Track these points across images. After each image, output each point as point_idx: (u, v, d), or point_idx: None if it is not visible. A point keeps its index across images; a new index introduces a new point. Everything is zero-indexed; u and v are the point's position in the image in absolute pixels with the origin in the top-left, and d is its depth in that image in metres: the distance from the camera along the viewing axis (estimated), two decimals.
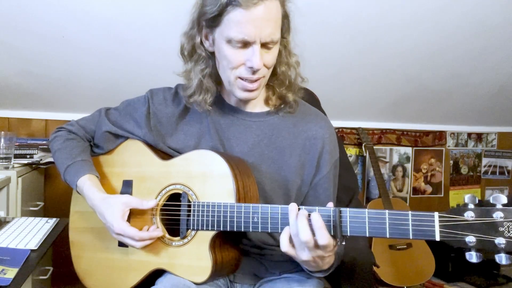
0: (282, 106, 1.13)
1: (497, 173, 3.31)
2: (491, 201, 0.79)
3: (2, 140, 1.73)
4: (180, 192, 1.06)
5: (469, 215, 0.79)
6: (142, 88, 1.25)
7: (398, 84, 2.60)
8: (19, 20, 1.85)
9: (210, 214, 1.00)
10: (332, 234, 0.87)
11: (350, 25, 2.12)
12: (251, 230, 0.97)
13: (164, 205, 1.09)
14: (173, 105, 1.17)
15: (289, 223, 0.89)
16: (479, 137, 3.25)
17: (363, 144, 2.82)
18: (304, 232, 0.85)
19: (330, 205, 0.91)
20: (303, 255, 0.89)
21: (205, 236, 1.01)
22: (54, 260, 2.01)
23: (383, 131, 3.00)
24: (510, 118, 3.16)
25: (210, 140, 1.12)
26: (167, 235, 1.07)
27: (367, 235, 0.86)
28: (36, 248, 1.11)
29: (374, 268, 2.21)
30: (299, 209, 0.90)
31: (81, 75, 2.17)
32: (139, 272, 1.09)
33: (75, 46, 2.01)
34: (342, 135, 2.87)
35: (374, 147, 2.86)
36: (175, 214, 1.05)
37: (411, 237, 0.82)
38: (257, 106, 1.14)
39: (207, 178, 1.03)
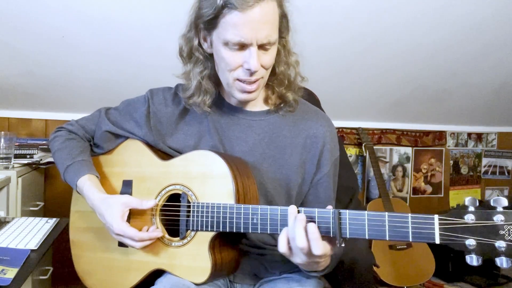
0: (282, 105, 1.13)
1: (497, 173, 3.31)
2: (492, 204, 0.78)
3: (2, 140, 1.73)
4: (180, 192, 1.06)
5: (470, 218, 0.78)
6: (142, 88, 1.24)
7: (398, 84, 2.60)
8: (19, 20, 1.85)
9: (209, 215, 1.00)
10: (331, 236, 0.87)
11: (350, 25, 2.12)
12: (250, 231, 0.97)
13: (164, 205, 1.09)
14: (173, 105, 1.17)
15: (288, 226, 0.89)
16: (479, 137, 3.25)
17: (363, 144, 2.82)
18: (300, 239, 0.85)
19: (330, 207, 0.91)
20: (297, 259, 0.90)
21: (205, 237, 1.01)
22: (54, 260, 2.02)
23: (383, 131, 3.00)
24: (510, 118, 3.16)
25: (210, 140, 1.12)
26: (166, 236, 1.07)
27: (367, 237, 0.86)
28: (36, 248, 1.11)
29: (374, 268, 2.21)
30: (298, 211, 0.90)
31: (81, 75, 2.17)
32: (139, 272, 1.09)
33: (75, 46, 2.01)
34: (342, 135, 2.87)
35: (374, 147, 2.86)
36: (174, 215, 1.05)
37: (410, 240, 0.82)
38: (257, 105, 1.14)
39: (206, 178, 1.03)
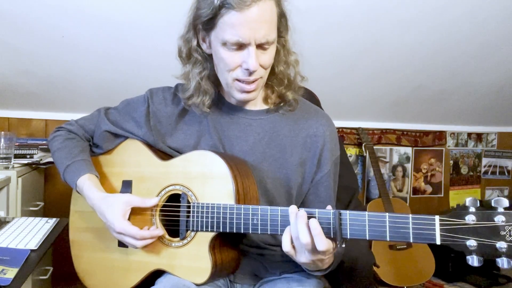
0: (282, 104, 1.13)
1: (497, 173, 3.31)
2: (493, 205, 0.78)
3: (2, 140, 1.73)
4: (180, 193, 1.06)
5: (470, 219, 0.78)
6: (142, 87, 1.24)
7: (398, 84, 2.60)
8: (19, 20, 1.85)
9: (209, 215, 1.00)
10: (332, 236, 0.87)
11: (350, 25, 2.12)
12: (250, 232, 0.97)
13: (164, 205, 1.09)
14: (173, 105, 1.16)
15: (290, 225, 0.89)
16: (479, 137, 3.25)
17: (363, 144, 2.82)
18: (304, 235, 0.86)
19: (329, 207, 0.91)
20: (302, 258, 0.90)
21: (205, 237, 1.01)
22: (54, 260, 2.02)
23: (383, 131, 3.00)
24: (510, 118, 3.16)
25: (210, 140, 1.11)
26: (166, 236, 1.07)
27: (367, 238, 0.86)
28: (36, 248, 1.11)
29: (374, 268, 2.21)
30: (299, 210, 0.90)
31: (81, 75, 2.17)
32: (139, 272, 1.09)
33: (75, 46, 2.00)
34: (342, 135, 2.87)
35: (374, 147, 2.86)
36: (174, 215, 1.05)
37: (411, 241, 0.82)
38: (257, 104, 1.14)
39: (206, 179, 1.03)
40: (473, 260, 0.79)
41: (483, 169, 3.29)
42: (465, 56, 2.45)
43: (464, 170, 3.23)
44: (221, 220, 0.99)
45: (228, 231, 0.98)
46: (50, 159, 1.94)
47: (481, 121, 3.16)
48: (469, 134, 3.22)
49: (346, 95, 2.61)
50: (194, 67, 1.08)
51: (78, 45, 2.00)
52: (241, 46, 0.97)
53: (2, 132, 1.75)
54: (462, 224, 0.79)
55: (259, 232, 0.95)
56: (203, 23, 0.99)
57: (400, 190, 3.07)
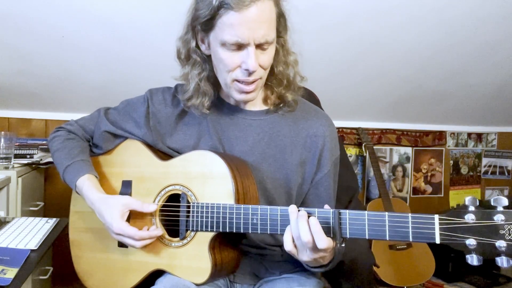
0: (281, 105, 1.13)
1: (497, 173, 3.31)
2: (492, 203, 0.78)
3: (2, 140, 1.73)
4: (180, 193, 1.06)
5: (470, 218, 0.79)
6: (142, 88, 1.24)
7: (398, 84, 2.60)
8: (19, 20, 1.85)
9: (209, 215, 1.00)
10: (331, 236, 0.87)
11: (350, 25, 2.12)
12: (250, 231, 0.97)
13: (164, 206, 1.09)
14: (173, 105, 1.16)
15: (291, 225, 0.89)
16: (479, 137, 3.25)
17: (363, 144, 2.82)
18: (305, 233, 0.86)
19: (327, 207, 0.91)
20: (304, 256, 0.90)
21: (205, 237, 1.01)
22: (54, 260, 2.02)
23: (383, 131, 3.00)
24: (510, 118, 3.16)
25: (209, 140, 1.11)
26: (166, 236, 1.07)
27: (367, 237, 0.86)
28: (36, 248, 1.11)
29: (374, 268, 2.21)
30: (299, 210, 0.90)
31: (81, 75, 2.17)
32: (139, 272, 1.09)
33: (75, 46, 2.01)
34: (342, 135, 2.87)
35: (374, 147, 2.86)
36: (174, 215, 1.05)
37: (411, 240, 0.82)
38: (256, 105, 1.14)
39: (206, 179, 1.03)
40: (473, 259, 0.79)
41: (483, 169, 3.29)
42: (465, 56, 2.45)
43: (464, 170, 3.23)
44: (220, 220, 0.99)
45: (228, 231, 0.98)
46: (50, 159, 1.94)
47: (481, 121, 3.16)
48: (469, 134, 3.22)
49: (346, 95, 2.61)
50: (193, 69, 1.08)
51: (78, 45, 2.00)
52: (240, 47, 0.96)
53: (2, 132, 1.75)
54: (462, 223, 0.79)
55: (259, 231, 0.96)
56: (202, 24, 0.99)
57: (400, 190, 3.07)
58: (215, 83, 1.10)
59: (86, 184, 1.09)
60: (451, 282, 2.72)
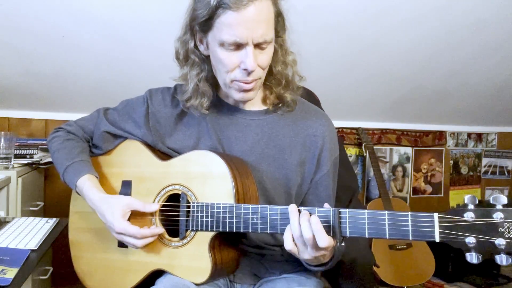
0: (280, 105, 1.12)
1: (497, 173, 3.31)
2: (491, 202, 0.78)
3: (2, 140, 1.73)
4: (179, 192, 1.06)
5: (469, 216, 0.79)
6: (142, 88, 1.24)
7: (398, 84, 2.60)
8: (19, 20, 1.85)
9: (209, 215, 1.00)
10: (331, 235, 0.88)
11: (350, 25, 2.12)
12: (250, 231, 0.97)
13: (163, 205, 1.09)
14: (172, 105, 1.16)
15: (291, 224, 0.89)
16: (479, 137, 3.25)
17: (363, 144, 2.82)
18: (306, 230, 0.86)
19: (327, 205, 0.91)
20: (305, 255, 0.90)
21: (205, 237, 1.01)
22: (54, 260, 2.02)
23: (383, 131, 3.00)
24: (510, 118, 3.16)
25: (209, 140, 1.11)
26: (166, 236, 1.07)
27: (367, 236, 0.86)
28: (36, 248, 1.11)
29: (374, 268, 2.21)
30: (299, 210, 0.90)
31: (81, 75, 2.17)
32: (138, 272, 1.09)
33: (75, 46, 2.01)
34: (342, 135, 2.87)
35: (374, 147, 2.86)
36: (174, 215, 1.05)
37: (410, 238, 0.82)
38: (255, 105, 1.14)
39: (206, 178, 1.03)
40: (472, 257, 0.79)
41: (483, 169, 3.29)
42: (465, 56, 2.45)
43: (464, 170, 3.23)
44: (220, 220, 0.99)
45: (228, 230, 0.98)
46: (50, 159, 1.94)
47: (481, 121, 3.16)
48: (469, 134, 3.22)
49: (346, 95, 2.61)
50: (191, 69, 1.07)
51: (78, 45, 2.00)
52: (238, 46, 0.96)
53: (2, 132, 1.75)
54: (461, 221, 0.79)
55: (259, 231, 0.96)
56: (200, 24, 0.99)
57: (400, 190, 3.07)
58: (214, 84, 1.10)
59: (87, 184, 1.09)
60: (451, 282, 2.72)
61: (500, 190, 3.34)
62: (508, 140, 3.32)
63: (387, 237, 0.84)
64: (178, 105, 1.15)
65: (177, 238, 1.05)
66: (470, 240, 0.78)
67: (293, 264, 1.14)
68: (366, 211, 0.86)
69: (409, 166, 3.07)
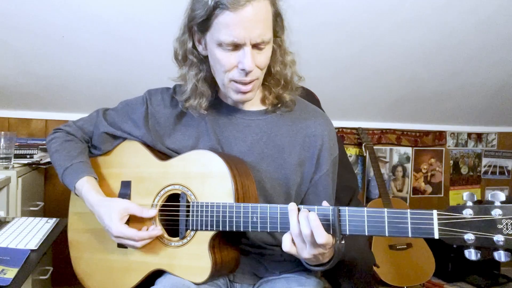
0: (279, 105, 1.12)
1: (497, 173, 3.31)
2: (490, 198, 0.79)
3: (2, 140, 1.73)
4: (179, 192, 1.06)
5: (468, 213, 0.79)
6: (142, 87, 1.24)
7: (398, 84, 2.60)
8: (19, 20, 1.85)
9: (209, 214, 1.00)
10: (331, 233, 0.88)
11: (350, 24, 2.12)
12: (250, 230, 0.97)
13: (163, 205, 1.09)
14: (171, 106, 1.16)
15: (290, 222, 0.89)
16: (479, 137, 3.25)
17: (363, 144, 2.82)
18: (305, 227, 0.86)
19: (325, 204, 0.91)
20: (305, 253, 0.90)
21: (204, 236, 1.01)
22: (54, 260, 2.02)
23: (383, 131, 3.00)
24: (510, 118, 3.16)
25: (208, 141, 1.11)
26: (166, 236, 1.07)
27: (366, 233, 0.86)
28: (36, 248, 1.11)
29: (374, 268, 2.21)
30: (298, 209, 0.90)
31: (81, 75, 2.17)
32: (138, 272, 1.09)
33: (75, 46, 2.01)
34: (342, 135, 2.87)
35: (374, 147, 2.86)
36: (174, 215, 1.05)
37: (410, 235, 0.83)
38: (255, 105, 1.14)
39: (205, 178, 1.03)
40: (471, 254, 0.79)
41: (483, 169, 3.29)
42: (465, 56, 2.45)
43: (464, 170, 3.23)
44: (220, 219, 0.99)
45: (227, 229, 0.98)
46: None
47: (481, 121, 3.16)
48: (469, 134, 3.22)
49: (346, 95, 2.61)
50: (190, 70, 1.08)
51: (79, 45, 2.00)
52: (236, 47, 0.96)
53: (2, 132, 1.75)
54: (460, 218, 0.80)
55: (259, 230, 0.96)
56: (198, 25, 0.99)
57: (400, 190, 3.07)
58: (212, 84, 1.10)
59: (85, 187, 1.09)
60: (451, 282, 2.72)
61: (500, 190, 3.33)
62: (508, 140, 3.32)
63: (387, 234, 0.84)
64: (177, 105, 1.15)
65: (177, 238, 1.05)
66: (469, 236, 0.78)
67: (293, 264, 1.14)
68: (365, 209, 0.87)
69: (409, 166, 3.07)
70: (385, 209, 0.85)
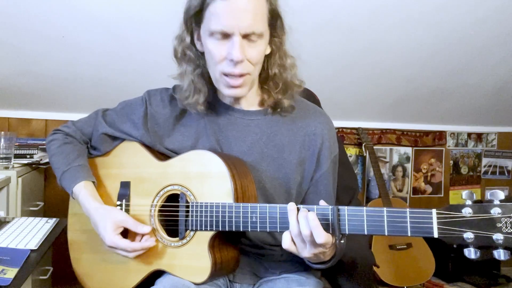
0: (278, 110, 1.12)
1: (497, 173, 3.31)
2: (489, 197, 0.79)
3: (2, 140, 1.74)
4: (178, 192, 1.06)
5: (467, 212, 0.79)
6: (142, 87, 1.24)
7: (398, 84, 2.60)
8: (19, 20, 1.86)
9: (208, 214, 1.00)
10: (330, 232, 0.88)
11: (350, 24, 2.12)
12: (249, 230, 0.97)
13: (163, 206, 1.09)
14: (171, 106, 1.16)
15: (289, 222, 0.89)
16: (479, 137, 3.25)
17: (363, 144, 2.82)
18: (304, 227, 0.86)
19: (322, 203, 0.91)
20: (305, 252, 0.90)
21: (204, 237, 1.01)
22: (54, 260, 2.02)
23: (383, 131, 3.00)
24: (510, 118, 3.16)
25: (207, 141, 1.11)
26: (166, 236, 1.07)
27: (366, 233, 0.86)
28: (36, 248, 1.11)
29: (374, 268, 2.21)
30: (298, 209, 0.90)
31: (81, 75, 2.18)
32: (138, 273, 1.09)
33: (75, 46, 2.01)
34: (342, 135, 2.87)
35: (374, 147, 2.86)
36: (173, 215, 1.05)
37: (409, 234, 0.82)
38: (254, 105, 1.14)
39: (205, 178, 1.03)
40: (470, 253, 0.79)
41: (483, 169, 3.29)
42: (465, 56, 2.45)
43: (464, 170, 3.23)
44: (220, 219, 0.99)
45: (227, 229, 0.98)
46: None
47: (481, 121, 3.16)
48: (469, 134, 3.22)
49: (345, 95, 2.62)
50: (187, 65, 1.08)
51: (78, 45, 2.00)
52: (226, 36, 0.96)
53: (2, 132, 1.75)
54: (459, 217, 0.80)
55: (258, 230, 0.95)
56: (193, 16, 1.00)
57: (400, 190, 3.07)
58: (209, 81, 1.09)
59: (82, 192, 1.09)
60: (451, 282, 2.72)
61: (500, 190, 3.33)
62: (508, 140, 3.32)
63: (386, 233, 0.84)
64: (176, 105, 1.15)
65: (177, 238, 1.05)
66: (469, 235, 0.78)
67: (293, 264, 1.14)
68: (364, 208, 0.87)
69: (409, 166, 3.07)
70: (384, 208, 0.85)
